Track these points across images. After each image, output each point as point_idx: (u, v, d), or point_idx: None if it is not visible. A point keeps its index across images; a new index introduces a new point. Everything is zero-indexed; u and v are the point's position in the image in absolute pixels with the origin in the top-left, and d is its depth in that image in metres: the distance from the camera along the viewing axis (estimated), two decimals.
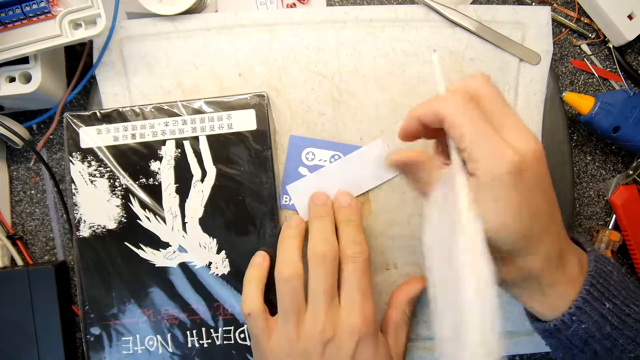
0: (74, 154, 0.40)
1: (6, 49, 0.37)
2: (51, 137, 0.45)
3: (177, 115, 0.41)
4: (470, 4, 0.44)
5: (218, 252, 0.40)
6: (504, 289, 0.34)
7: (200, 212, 0.40)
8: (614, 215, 0.46)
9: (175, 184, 0.40)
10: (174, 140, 0.41)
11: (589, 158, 0.47)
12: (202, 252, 0.40)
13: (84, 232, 0.40)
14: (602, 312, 0.32)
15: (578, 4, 0.46)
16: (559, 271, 0.33)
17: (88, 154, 0.40)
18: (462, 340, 0.28)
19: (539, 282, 0.33)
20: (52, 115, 0.42)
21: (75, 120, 0.40)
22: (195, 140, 0.40)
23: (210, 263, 0.40)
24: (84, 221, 0.40)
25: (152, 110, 0.41)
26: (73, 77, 0.42)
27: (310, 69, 0.43)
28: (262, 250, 0.40)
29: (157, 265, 0.40)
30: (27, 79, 0.39)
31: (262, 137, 0.40)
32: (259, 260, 0.40)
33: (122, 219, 0.40)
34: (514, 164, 0.29)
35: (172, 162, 0.40)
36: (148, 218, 0.40)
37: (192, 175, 0.40)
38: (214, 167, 0.40)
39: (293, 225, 0.39)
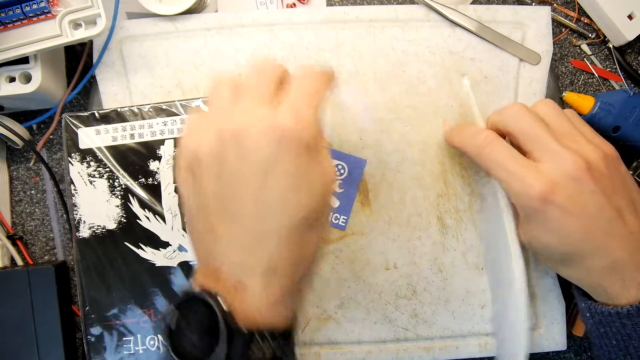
0: (72, 154, 0.40)
1: (6, 49, 0.37)
2: (51, 137, 0.46)
3: (175, 114, 0.41)
4: (470, 4, 0.44)
5: None
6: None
7: None
8: None
9: (175, 183, 0.40)
10: (172, 140, 0.41)
11: None
12: None
13: (84, 232, 0.40)
14: None
15: (578, 4, 0.46)
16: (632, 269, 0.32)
17: (87, 155, 0.40)
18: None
19: (621, 274, 0.32)
20: (52, 115, 0.42)
21: (73, 121, 0.41)
22: None
23: None
24: (84, 222, 0.40)
25: (151, 110, 0.41)
26: (73, 77, 0.42)
27: None
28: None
29: (158, 264, 0.40)
30: (27, 79, 0.39)
31: None
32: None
33: (122, 219, 0.40)
34: (538, 194, 0.31)
35: (171, 162, 0.40)
36: (148, 218, 0.40)
37: None
38: None
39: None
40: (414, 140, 0.43)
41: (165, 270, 0.40)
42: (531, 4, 0.46)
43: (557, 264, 0.36)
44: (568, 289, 0.43)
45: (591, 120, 0.43)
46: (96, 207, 0.40)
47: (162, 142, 0.41)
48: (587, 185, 0.32)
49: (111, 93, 0.43)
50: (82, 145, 0.40)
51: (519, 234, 0.36)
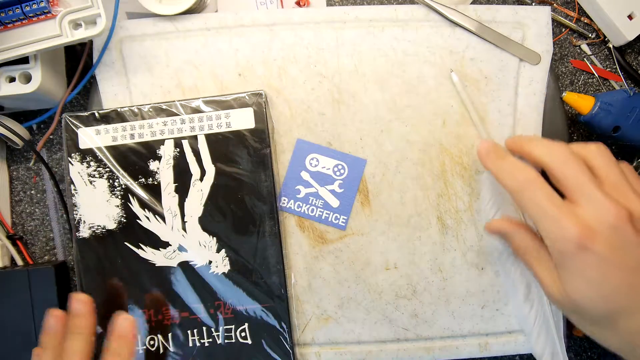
0: (72, 154, 0.40)
1: (6, 49, 0.37)
2: (51, 137, 0.46)
3: (175, 114, 0.41)
4: (470, 4, 0.44)
5: (218, 250, 0.40)
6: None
7: (199, 211, 0.40)
8: None
9: (175, 183, 0.40)
10: (172, 140, 0.41)
11: None
12: (202, 251, 0.40)
13: (84, 232, 0.40)
14: None
15: (578, 4, 0.46)
16: None
17: (87, 155, 0.40)
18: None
19: None
20: (52, 115, 0.42)
21: (73, 121, 0.41)
22: (194, 139, 0.40)
23: (210, 262, 0.40)
24: (84, 222, 0.40)
25: (151, 110, 0.41)
26: (73, 77, 0.42)
27: (310, 69, 0.43)
28: None
29: (158, 264, 0.40)
30: (27, 79, 0.39)
31: (260, 135, 0.40)
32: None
33: (122, 219, 0.40)
34: (574, 238, 0.30)
35: (171, 162, 0.41)
36: (148, 218, 0.40)
37: (191, 174, 0.40)
38: (212, 165, 0.40)
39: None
40: (414, 140, 0.43)
41: (165, 270, 0.40)
42: (531, 4, 0.46)
43: (591, 324, 0.33)
44: None
45: (591, 120, 0.43)
46: (96, 207, 0.40)
47: (162, 142, 0.41)
48: (628, 235, 0.30)
49: (111, 93, 0.43)
50: (82, 145, 0.41)
51: (556, 289, 0.33)
